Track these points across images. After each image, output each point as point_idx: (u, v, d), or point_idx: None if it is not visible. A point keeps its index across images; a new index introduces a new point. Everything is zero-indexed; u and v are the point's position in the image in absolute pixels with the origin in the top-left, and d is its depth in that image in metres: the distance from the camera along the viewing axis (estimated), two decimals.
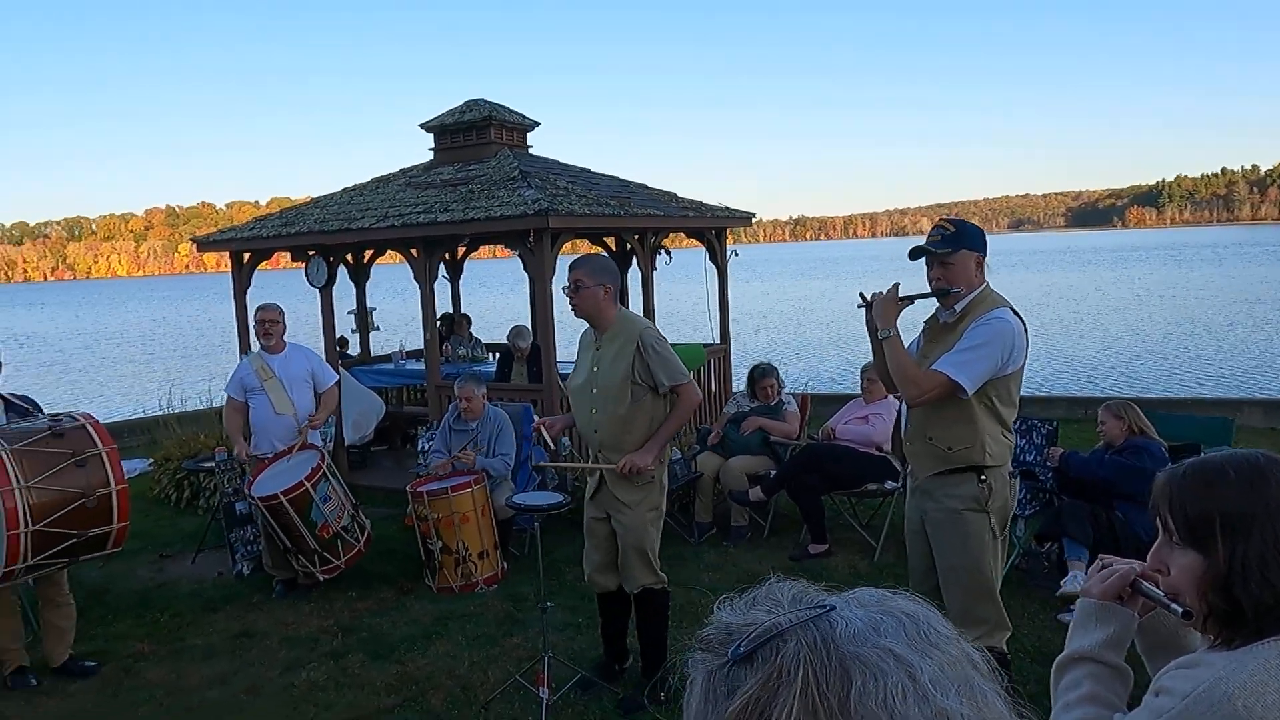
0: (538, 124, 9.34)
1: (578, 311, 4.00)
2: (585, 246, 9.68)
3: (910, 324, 3.21)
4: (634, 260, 8.83)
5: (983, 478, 3.12)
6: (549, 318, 7.23)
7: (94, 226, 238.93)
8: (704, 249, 9.47)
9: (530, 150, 9.20)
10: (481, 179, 8.10)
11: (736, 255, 9.80)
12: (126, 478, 4.43)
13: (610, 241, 10.07)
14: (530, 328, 8.92)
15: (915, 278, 3.47)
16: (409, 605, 5.62)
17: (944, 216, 3.37)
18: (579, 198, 7.65)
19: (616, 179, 9.34)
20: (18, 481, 3.89)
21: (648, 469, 3.94)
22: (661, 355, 3.94)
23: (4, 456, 3.89)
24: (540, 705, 3.97)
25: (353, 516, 5.85)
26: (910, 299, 3.24)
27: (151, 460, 8.75)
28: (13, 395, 4.79)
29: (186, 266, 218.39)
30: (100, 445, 4.21)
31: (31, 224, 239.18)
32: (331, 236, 8.02)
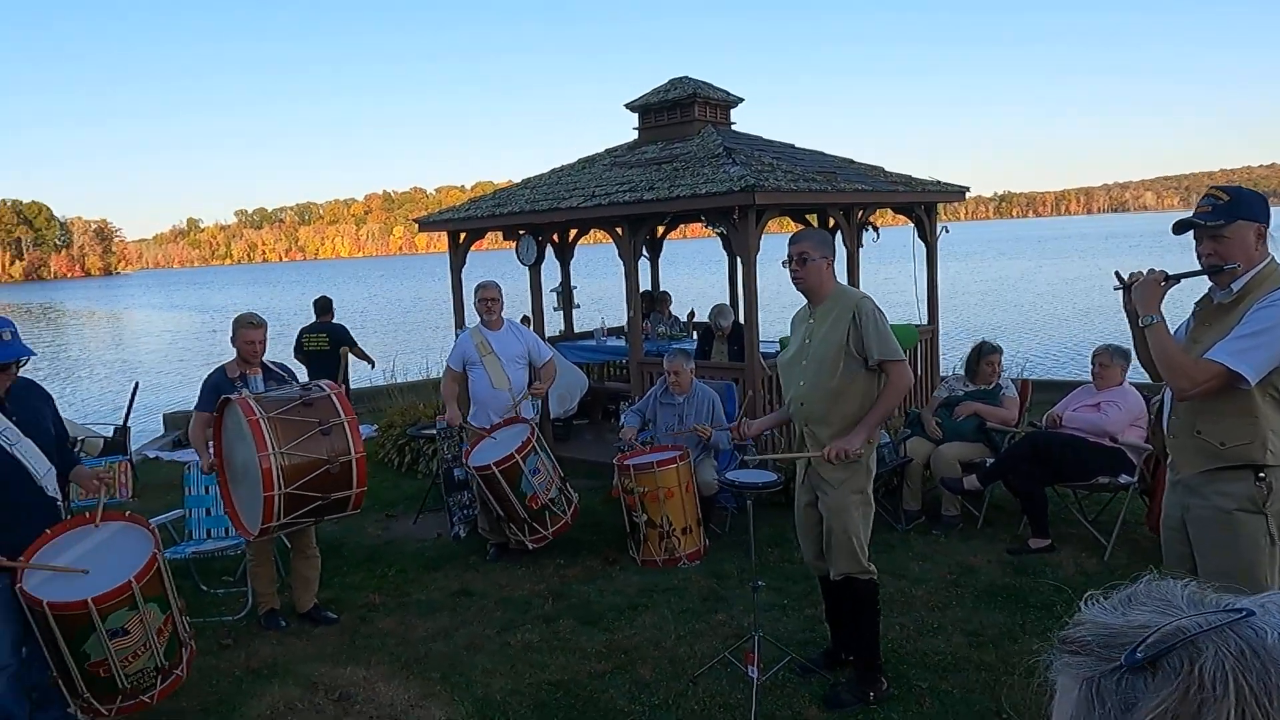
0: (741, 100, 9.24)
1: (801, 285, 3.89)
2: (789, 224, 9.51)
3: (1174, 307, 2.88)
4: (838, 237, 8.58)
5: (1261, 476, 2.77)
6: (753, 295, 7.15)
7: (321, 211, 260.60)
8: (911, 226, 9.08)
9: (733, 127, 9.12)
10: (686, 157, 8.11)
11: (947, 232, 9.34)
12: None
13: (813, 219, 9.85)
14: (731, 307, 8.88)
15: (1150, 256, 3.12)
16: (614, 575, 5.76)
17: (1215, 185, 3.00)
18: (784, 173, 7.51)
19: (821, 154, 9.10)
20: (273, 447, 4.26)
21: (855, 453, 3.78)
22: (878, 327, 3.78)
23: (263, 424, 4.28)
24: (750, 685, 3.94)
25: (560, 489, 6.04)
26: (1177, 278, 2.90)
27: (376, 426, 9.41)
28: (272, 363, 5.26)
29: (400, 248, 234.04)
30: (343, 415, 4.54)
31: (270, 210, 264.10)
32: (541, 216, 8.29)
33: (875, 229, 8.72)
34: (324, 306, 10.04)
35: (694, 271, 40.70)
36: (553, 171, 9.48)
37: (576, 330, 10.66)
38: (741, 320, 8.00)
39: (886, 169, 9.14)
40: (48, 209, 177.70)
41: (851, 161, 9.05)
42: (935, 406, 6.64)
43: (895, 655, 4.34)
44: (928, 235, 9.04)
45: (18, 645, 3.65)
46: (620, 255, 8.03)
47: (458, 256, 9.37)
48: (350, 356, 9.80)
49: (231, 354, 5.25)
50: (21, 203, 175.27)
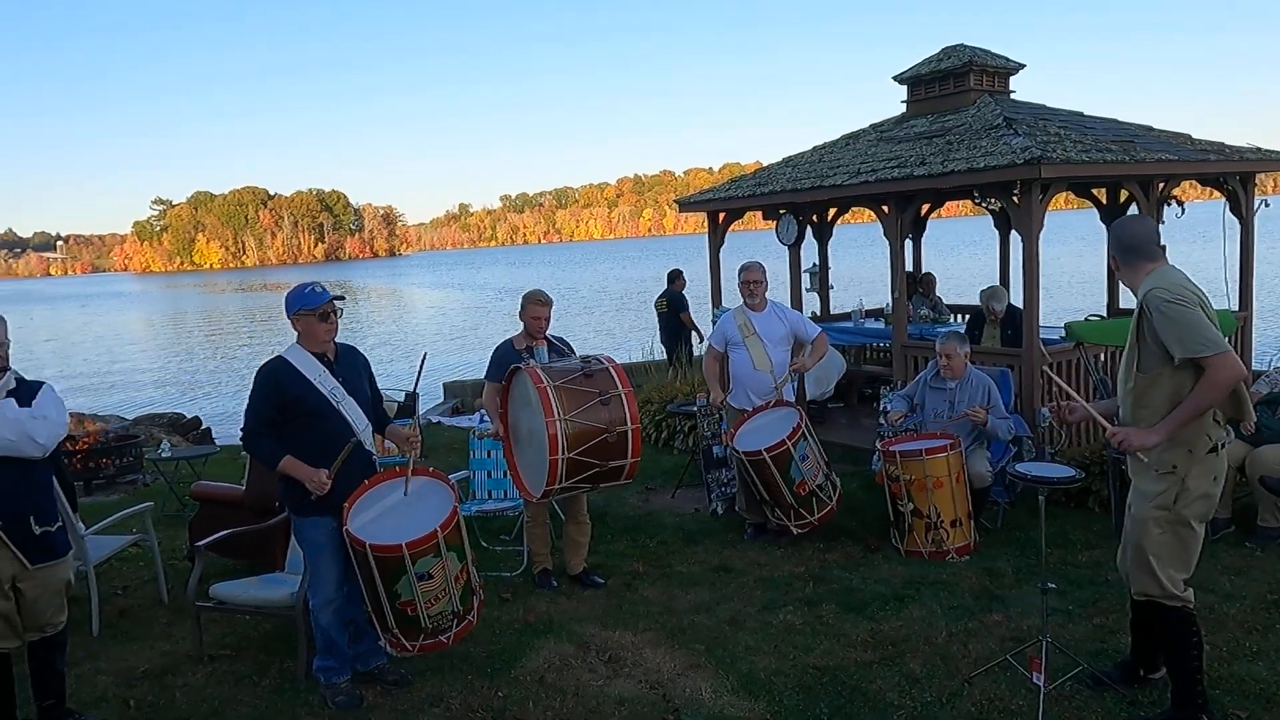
0: (1021, 66, 8.59)
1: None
2: (1072, 199, 8.77)
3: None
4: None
5: None
6: (1033, 276, 6.64)
7: (576, 195, 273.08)
8: (1222, 200, 8.07)
9: (1012, 95, 8.50)
10: (960, 129, 7.66)
11: (1267, 206, 8.21)
12: None
13: (1100, 194, 9.01)
14: (1004, 289, 8.32)
15: None
16: (877, 564, 5.59)
17: None
18: (1073, 143, 6.89)
19: (1115, 121, 8.28)
20: (559, 414, 4.50)
21: (1140, 446, 3.33)
22: (1171, 319, 3.24)
23: (550, 392, 4.52)
24: (1035, 693, 3.68)
25: (826, 475, 5.95)
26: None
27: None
28: (553, 336, 5.57)
29: (649, 229, 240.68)
30: (620, 387, 4.72)
31: (530, 195, 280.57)
32: (804, 194, 8.16)
33: (1179, 203, 7.82)
34: (673, 276, 12.23)
35: (943, 252, 38.66)
36: (815, 149, 9.31)
37: (833, 312, 10.44)
38: (1018, 303, 7.47)
39: (1194, 136, 8.17)
40: (345, 197, 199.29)
41: (1150, 129, 8.17)
42: (1255, 403, 5.85)
43: (1206, 679, 3.89)
44: (1243, 210, 8.00)
45: (341, 582, 4.10)
46: (885, 234, 7.74)
47: (716, 237, 9.45)
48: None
49: (518, 327, 5.61)
50: (324, 191, 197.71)
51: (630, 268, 70.09)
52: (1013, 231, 8.41)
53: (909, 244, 10.31)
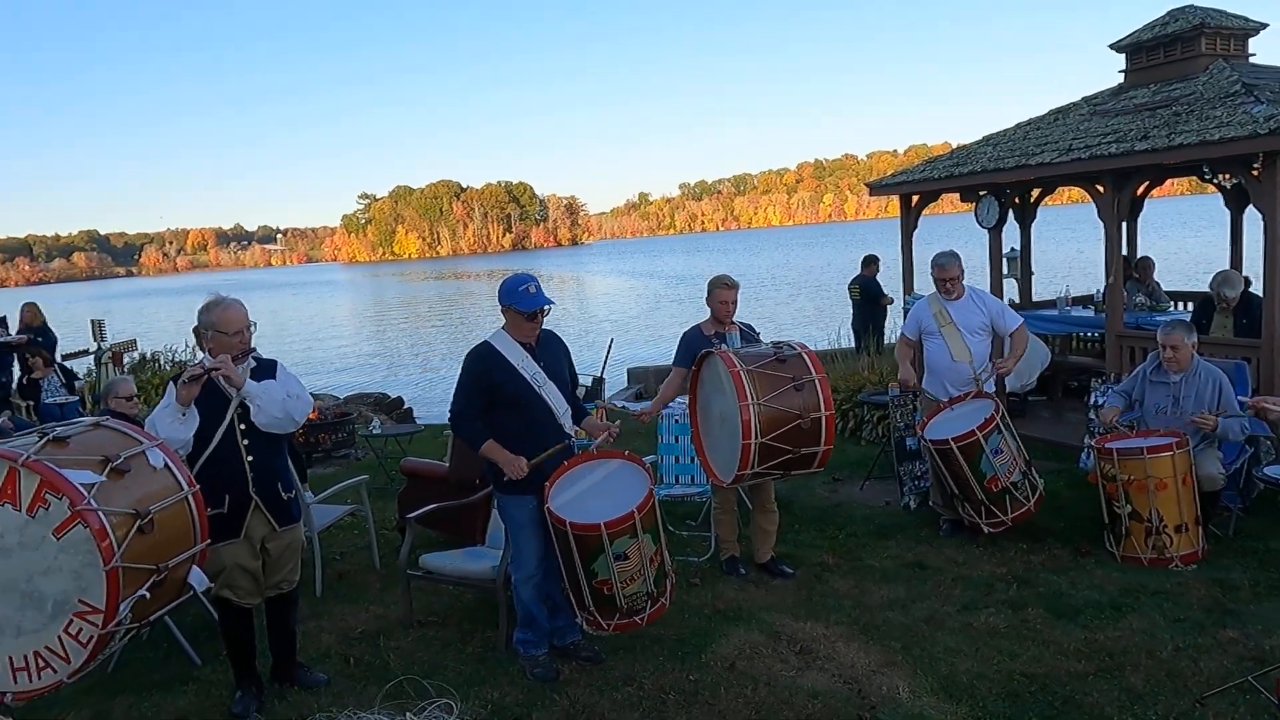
0: (1263, 26, 7.75)
1: None
2: None
3: None
4: None
5: None
6: (1276, 259, 5.98)
7: (755, 182, 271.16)
8: None
9: (1252, 59, 7.69)
10: (1188, 98, 7.01)
11: None
12: None
13: None
14: (1239, 274, 7.55)
15: None
16: (1089, 569, 5.22)
17: None
18: None
19: None
20: (753, 398, 4.47)
21: None
22: None
23: (743, 376, 4.50)
24: None
25: (1024, 474, 5.59)
26: None
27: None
28: (742, 323, 5.53)
29: (829, 215, 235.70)
30: (814, 373, 4.63)
31: (709, 182, 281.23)
32: (1007, 174, 7.71)
33: None
34: (867, 261, 12.03)
35: (1159, 233, 35.62)
36: (1018, 126, 8.78)
37: (1035, 299, 9.83)
38: (1255, 289, 6.76)
39: None
40: (530, 188, 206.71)
41: None
42: None
43: None
44: None
45: (542, 559, 4.24)
46: (1100, 215, 7.20)
47: (909, 220, 9.09)
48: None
49: (693, 314, 5.61)
50: (511, 183, 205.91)
51: (809, 254, 68.92)
52: (1248, 210, 7.62)
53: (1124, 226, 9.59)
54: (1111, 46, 8.25)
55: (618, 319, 31.56)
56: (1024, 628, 4.50)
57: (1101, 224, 7.20)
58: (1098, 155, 6.84)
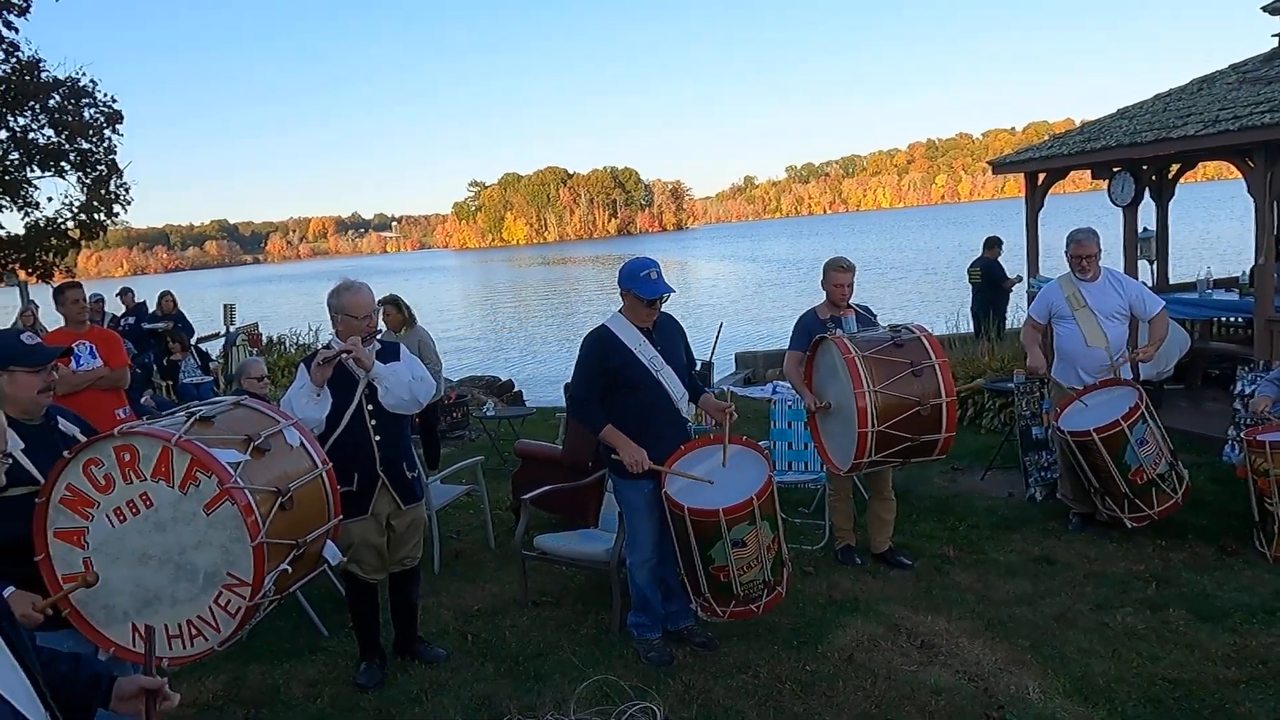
0: None
1: None
2: None
3: None
4: None
5: None
6: None
7: (864, 163, 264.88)
8: None
9: None
10: None
11: None
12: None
13: None
14: None
15: None
16: (1237, 569, 4.89)
17: None
18: None
19: None
20: (869, 385, 4.33)
21: None
22: None
23: (858, 362, 4.37)
24: None
25: (1171, 465, 5.27)
26: None
27: None
28: (858, 305, 5.37)
29: (941, 196, 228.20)
30: (933, 358, 4.45)
31: (816, 164, 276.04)
32: (1145, 149, 7.27)
33: None
34: (989, 244, 11.60)
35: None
36: (1156, 97, 8.27)
37: (1172, 281, 9.27)
38: None
39: None
40: (636, 173, 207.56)
41: None
42: None
43: None
44: None
45: (657, 543, 4.23)
46: (1250, 191, 6.71)
47: (1035, 200, 8.70)
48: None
49: (803, 298, 5.47)
50: (617, 169, 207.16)
51: (921, 236, 66.95)
52: None
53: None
54: (1264, 8, 7.66)
55: (723, 303, 31.35)
56: (1165, 629, 4.24)
57: (1252, 200, 6.71)
58: (1248, 126, 6.37)
